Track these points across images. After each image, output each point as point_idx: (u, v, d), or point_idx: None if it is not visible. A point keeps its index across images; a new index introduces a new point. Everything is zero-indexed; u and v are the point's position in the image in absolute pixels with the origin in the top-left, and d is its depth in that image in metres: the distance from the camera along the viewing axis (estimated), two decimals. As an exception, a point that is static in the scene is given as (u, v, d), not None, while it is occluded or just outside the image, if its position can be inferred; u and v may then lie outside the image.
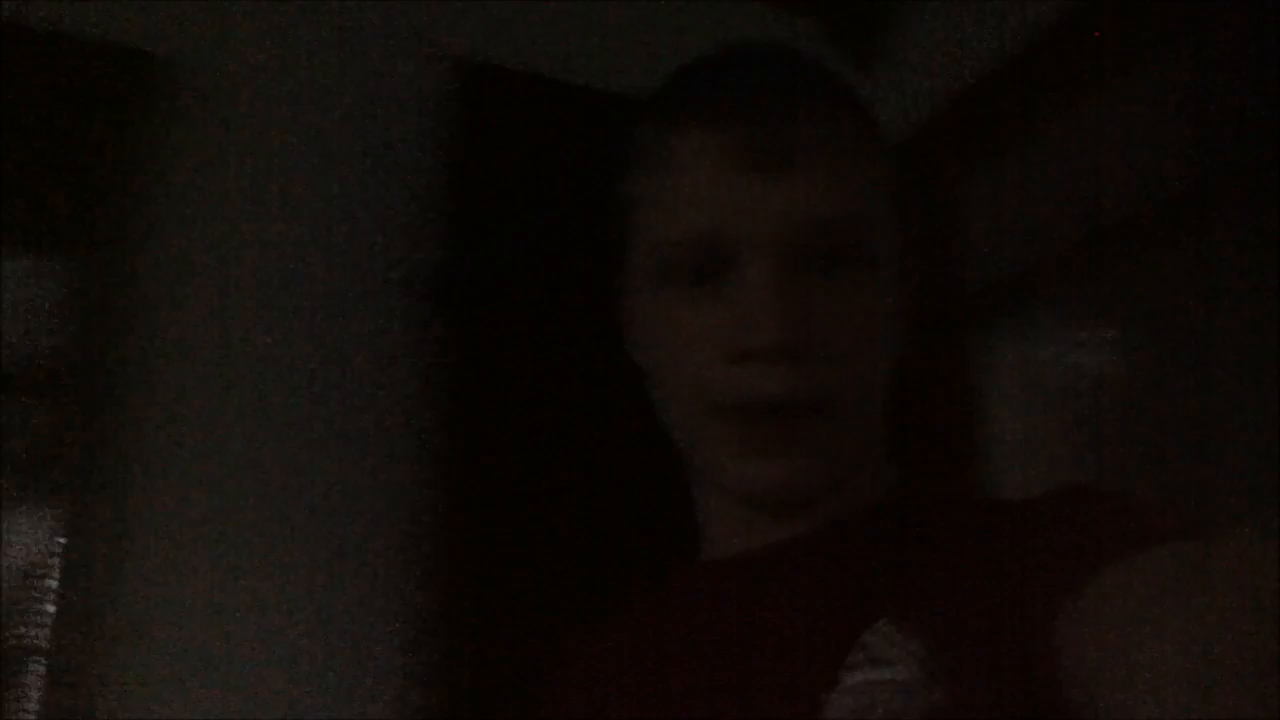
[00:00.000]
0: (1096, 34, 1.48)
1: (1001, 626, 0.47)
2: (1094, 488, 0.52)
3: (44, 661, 1.46)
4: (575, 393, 1.58)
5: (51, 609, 1.49)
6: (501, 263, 1.63)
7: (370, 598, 1.54)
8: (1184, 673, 0.35)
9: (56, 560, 1.50)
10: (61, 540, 1.50)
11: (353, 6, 1.73)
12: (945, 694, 0.47)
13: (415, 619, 1.55)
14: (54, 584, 1.49)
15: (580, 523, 1.57)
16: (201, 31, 1.60)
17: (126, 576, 1.48)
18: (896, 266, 0.61)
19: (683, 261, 0.57)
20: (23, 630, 1.61)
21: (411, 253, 1.64)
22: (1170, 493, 1.32)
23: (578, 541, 1.56)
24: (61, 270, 1.50)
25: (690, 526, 0.66)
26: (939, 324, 1.78)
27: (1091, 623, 0.42)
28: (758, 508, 0.59)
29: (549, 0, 1.84)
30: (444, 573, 1.56)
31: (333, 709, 1.49)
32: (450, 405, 1.59)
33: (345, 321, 1.61)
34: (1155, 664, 0.36)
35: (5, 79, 1.45)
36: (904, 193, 0.62)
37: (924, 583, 0.52)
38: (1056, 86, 1.60)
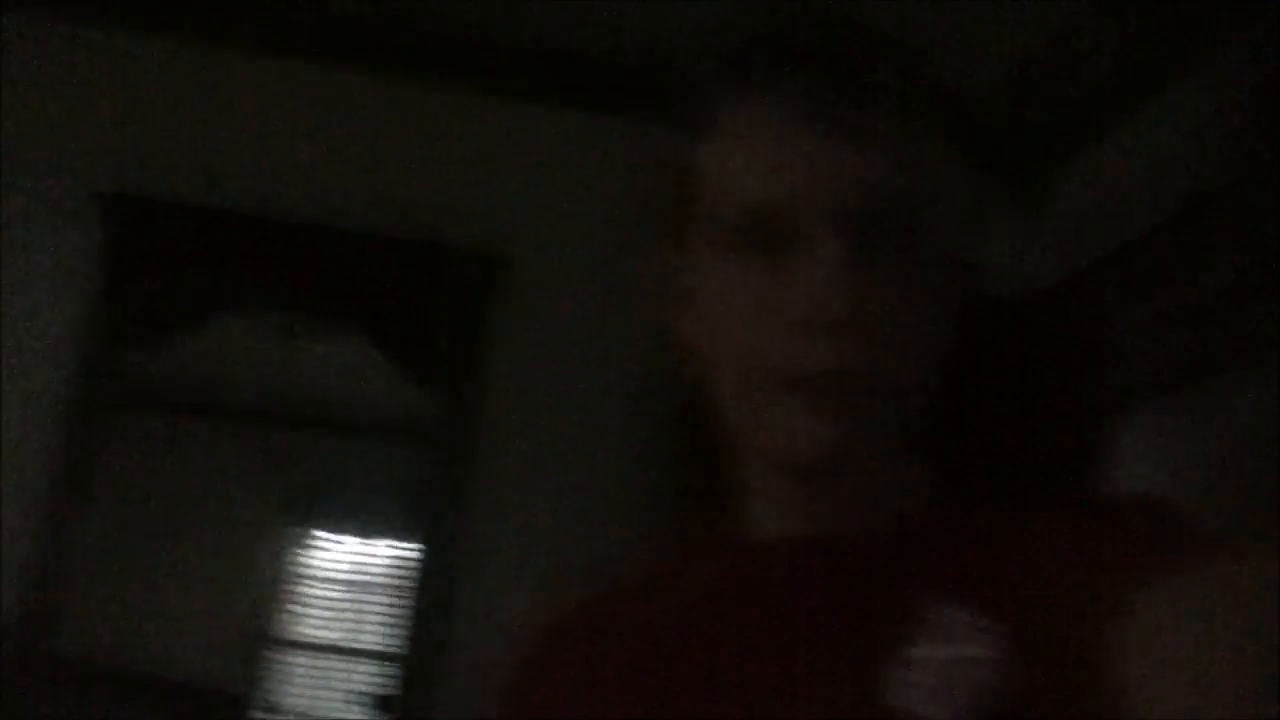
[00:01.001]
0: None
1: (1061, 624, 0.47)
2: (1157, 500, 0.53)
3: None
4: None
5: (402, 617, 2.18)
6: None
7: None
8: (1234, 684, 0.36)
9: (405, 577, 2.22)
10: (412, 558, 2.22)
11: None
12: (1020, 673, 0.47)
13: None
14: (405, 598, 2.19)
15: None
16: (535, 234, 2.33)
17: (467, 594, 2.18)
18: (956, 253, 0.60)
19: (751, 230, 0.56)
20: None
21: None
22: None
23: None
24: (436, 399, 2.31)
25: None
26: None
27: (1147, 631, 0.43)
28: (802, 480, 0.59)
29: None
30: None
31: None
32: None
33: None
34: (1205, 674, 0.38)
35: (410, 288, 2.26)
36: (968, 184, 0.61)
37: (982, 575, 0.52)
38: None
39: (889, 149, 0.55)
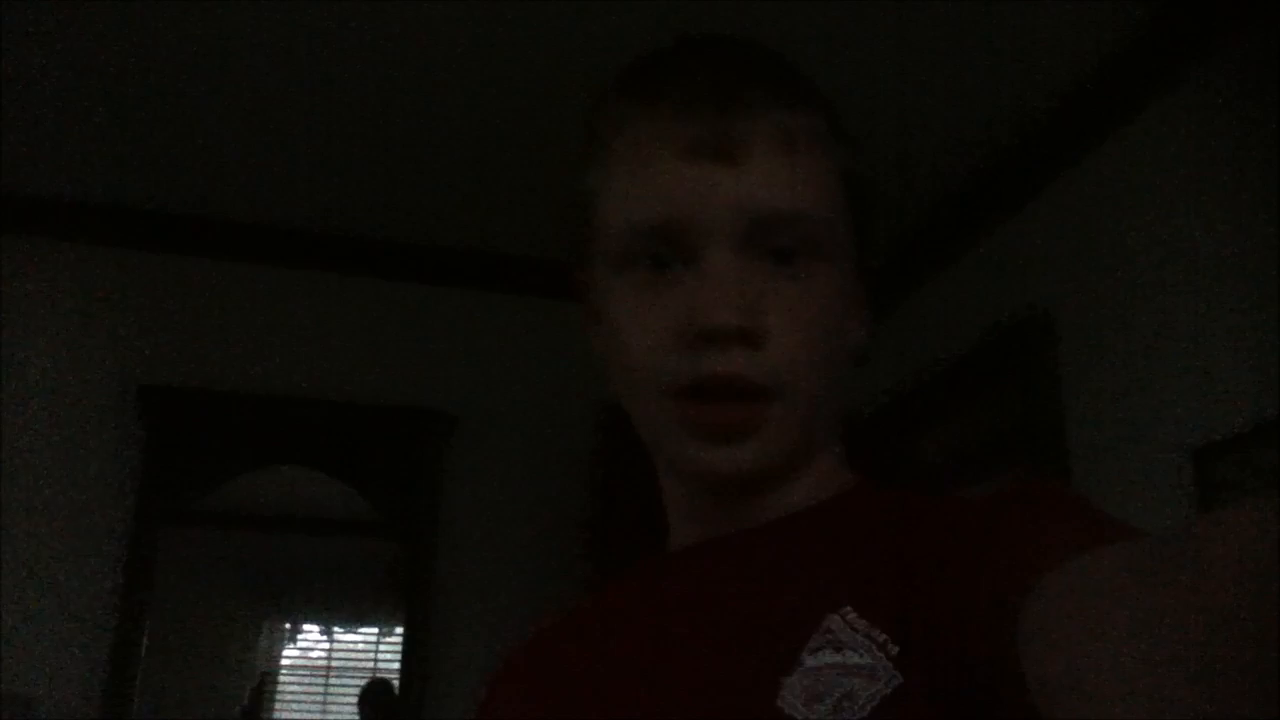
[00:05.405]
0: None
1: (962, 620, 0.46)
2: (1052, 485, 0.52)
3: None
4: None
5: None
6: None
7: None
8: (1142, 671, 0.32)
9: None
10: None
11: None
12: (905, 681, 0.47)
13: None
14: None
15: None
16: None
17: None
18: (852, 262, 0.62)
19: (641, 249, 0.58)
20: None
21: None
22: None
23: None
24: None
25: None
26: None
27: (1051, 620, 0.40)
28: (712, 493, 0.61)
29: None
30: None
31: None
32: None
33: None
34: (1113, 662, 0.34)
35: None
36: (864, 190, 0.63)
37: (885, 574, 0.52)
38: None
39: (773, 169, 0.57)
